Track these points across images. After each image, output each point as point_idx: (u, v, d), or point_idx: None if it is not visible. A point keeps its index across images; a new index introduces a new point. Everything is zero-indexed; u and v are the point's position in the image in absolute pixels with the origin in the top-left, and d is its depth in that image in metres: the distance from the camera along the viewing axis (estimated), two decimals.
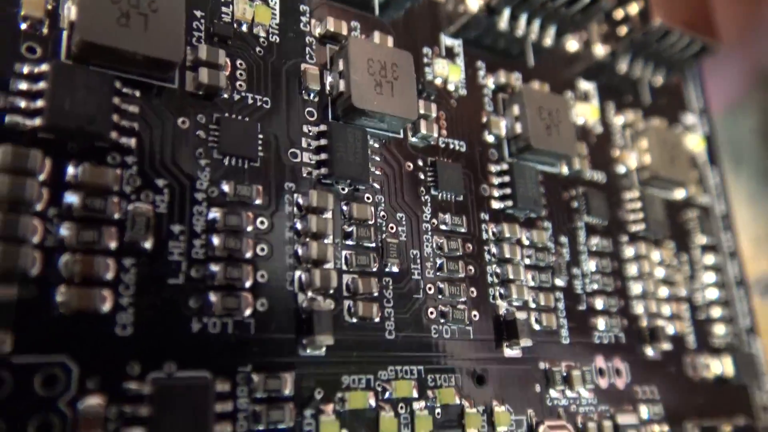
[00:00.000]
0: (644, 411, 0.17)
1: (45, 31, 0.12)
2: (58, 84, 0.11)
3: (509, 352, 0.15)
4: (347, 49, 0.15)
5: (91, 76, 0.12)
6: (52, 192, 0.11)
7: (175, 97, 0.13)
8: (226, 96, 0.13)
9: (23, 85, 0.11)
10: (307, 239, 0.13)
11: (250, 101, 0.14)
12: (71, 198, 0.11)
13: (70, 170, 0.11)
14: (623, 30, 0.20)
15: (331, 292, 0.13)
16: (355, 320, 0.13)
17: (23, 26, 0.12)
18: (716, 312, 0.20)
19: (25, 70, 0.11)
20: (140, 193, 0.12)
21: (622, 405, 0.17)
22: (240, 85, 0.14)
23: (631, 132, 0.20)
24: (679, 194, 0.21)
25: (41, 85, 0.11)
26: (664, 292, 0.19)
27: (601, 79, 0.20)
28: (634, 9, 0.19)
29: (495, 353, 0.15)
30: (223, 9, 0.14)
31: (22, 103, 0.11)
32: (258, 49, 0.14)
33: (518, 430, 0.15)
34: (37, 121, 0.11)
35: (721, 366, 0.19)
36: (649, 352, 0.18)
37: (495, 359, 0.15)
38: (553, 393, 0.16)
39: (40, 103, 0.11)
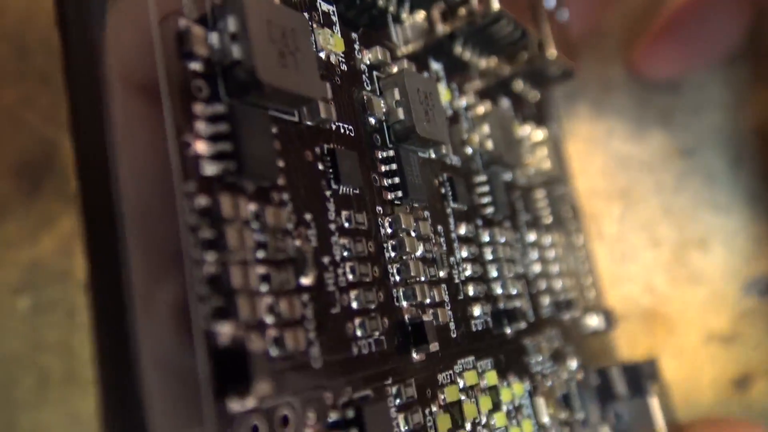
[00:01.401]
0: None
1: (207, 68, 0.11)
2: (243, 126, 0.11)
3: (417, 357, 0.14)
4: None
5: (263, 117, 0.11)
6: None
7: (300, 131, 0.12)
8: (330, 127, 0.13)
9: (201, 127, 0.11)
10: None
11: (342, 131, 0.14)
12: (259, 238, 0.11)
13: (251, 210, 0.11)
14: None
15: None
16: None
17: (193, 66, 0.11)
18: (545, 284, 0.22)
19: (199, 110, 0.11)
20: (298, 229, 0.12)
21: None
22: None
23: (473, 115, 0.20)
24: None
25: (220, 127, 0.11)
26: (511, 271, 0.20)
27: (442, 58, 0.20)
28: None
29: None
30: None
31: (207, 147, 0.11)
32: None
33: None
34: (229, 166, 0.11)
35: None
36: (508, 331, 0.19)
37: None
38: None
39: (223, 146, 0.11)
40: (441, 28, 0.20)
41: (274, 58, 0.11)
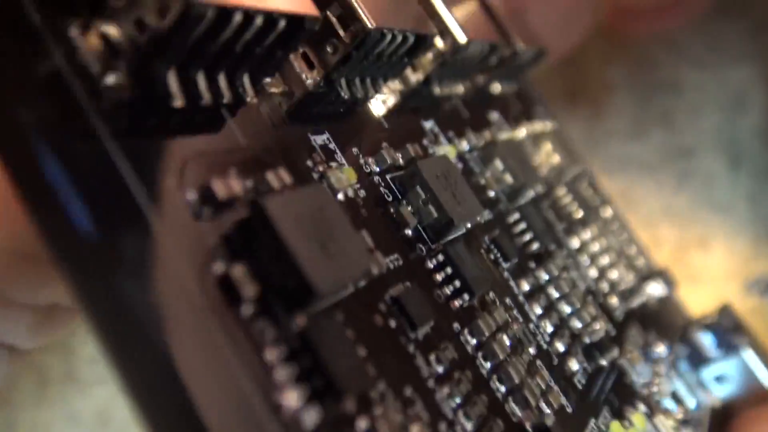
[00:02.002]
0: None
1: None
2: (323, 347, 0.10)
3: None
4: None
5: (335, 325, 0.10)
6: None
7: (359, 299, 0.12)
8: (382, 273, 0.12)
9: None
10: None
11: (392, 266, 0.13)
12: None
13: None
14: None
15: None
16: None
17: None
18: None
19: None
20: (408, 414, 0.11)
21: None
22: None
23: (480, 155, 0.19)
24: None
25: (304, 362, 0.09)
26: None
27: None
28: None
29: None
30: None
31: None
32: None
33: None
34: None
35: None
36: (604, 363, 0.18)
37: None
38: None
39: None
40: (414, 78, 0.18)
41: (319, 257, 0.10)
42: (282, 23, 0.11)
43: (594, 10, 0.24)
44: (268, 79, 0.13)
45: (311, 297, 0.10)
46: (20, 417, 0.26)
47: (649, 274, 0.24)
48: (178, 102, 0.10)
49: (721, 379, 0.22)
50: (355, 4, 0.14)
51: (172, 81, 0.10)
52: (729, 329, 0.22)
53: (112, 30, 0.09)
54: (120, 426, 0.26)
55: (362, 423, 0.10)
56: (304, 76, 0.14)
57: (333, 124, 0.14)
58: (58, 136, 0.09)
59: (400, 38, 0.15)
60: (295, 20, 0.11)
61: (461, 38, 0.18)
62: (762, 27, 0.31)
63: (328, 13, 0.14)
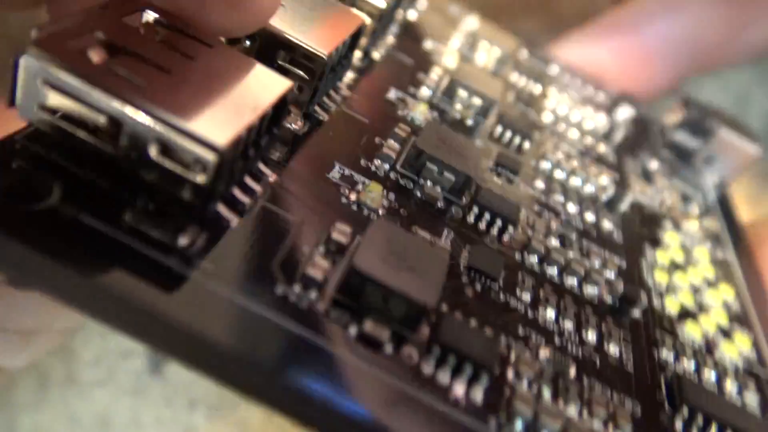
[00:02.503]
0: None
1: None
2: None
3: None
4: None
5: None
6: None
7: None
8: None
9: None
10: None
11: None
12: None
13: None
14: None
15: None
16: None
17: None
18: None
19: None
20: None
21: None
22: None
23: (443, 93, 0.20)
24: None
25: None
26: None
27: None
28: None
29: None
30: None
31: None
32: None
33: None
34: None
35: None
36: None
37: None
38: None
39: None
40: (355, 59, 0.20)
41: (412, 278, 0.12)
42: (270, 112, 0.12)
43: None
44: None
45: (425, 312, 0.12)
46: (21, 419, 0.27)
47: (614, 102, 0.27)
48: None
49: (710, 160, 0.25)
50: (301, 44, 0.15)
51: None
52: (698, 118, 0.25)
53: None
54: (120, 428, 0.27)
55: (509, 376, 0.12)
56: (290, 126, 0.15)
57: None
58: None
59: (347, 45, 0.16)
60: (280, 103, 0.13)
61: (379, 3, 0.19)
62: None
63: (280, 62, 0.15)
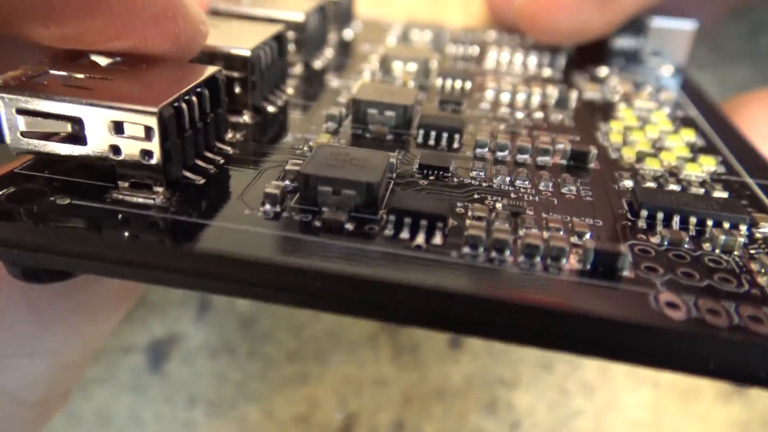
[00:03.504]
0: None
1: None
2: None
3: None
4: None
5: None
6: None
7: None
8: None
9: None
10: None
11: None
12: None
13: None
14: None
15: None
16: None
17: None
18: None
19: None
20: None
21: None
22: None
23: (381, 64, 0.23)
24: None
25: None
26: None
27: None
28: None
29: None
30: None
31: None
32: None
33: None
34: None
35: None
36: None
37: None
38: None
39: None
40: (298, 69, 0.22)
41: (354, 170, 0.14)
42: (206, 91, 0.15)
43: None
44: (229, 136, 0.17)
45: (374, 191, 0.13)
46: None
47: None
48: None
49: (657, 52, 0.26)
50: (219, 48, 0.17)
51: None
52: (631, 23, 0.27)
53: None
54: (120, 425, 0.28)
55: (466, 222, 0.13)
56: (241, 120, 0.18)
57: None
58: None
59: (274, 49, 0.19)
60: (210, 81, 0.15)
61: (301, 17, 0.22)
62: (761, 27, 0.32)
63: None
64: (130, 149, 0.13)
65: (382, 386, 0.28)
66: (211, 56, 0.18)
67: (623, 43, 0.27)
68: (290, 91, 0.20)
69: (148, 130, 0.13)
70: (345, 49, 0.26)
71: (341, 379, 0.28)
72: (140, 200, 0.13)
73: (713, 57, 0.33)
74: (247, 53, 0.17)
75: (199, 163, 0.15)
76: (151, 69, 0.15)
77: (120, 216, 0.13)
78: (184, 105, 0.14)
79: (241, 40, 0.18)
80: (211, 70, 0.15)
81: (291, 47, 0.22)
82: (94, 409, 0.28)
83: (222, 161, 0.15)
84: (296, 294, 0.12)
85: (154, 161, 0.13)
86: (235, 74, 0.18)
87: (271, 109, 0.19)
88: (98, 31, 0.13)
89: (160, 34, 0.15)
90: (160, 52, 0.15)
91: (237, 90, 0.18)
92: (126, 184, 0.14)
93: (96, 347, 0.19)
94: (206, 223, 0.13)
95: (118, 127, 0.13)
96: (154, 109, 0.13)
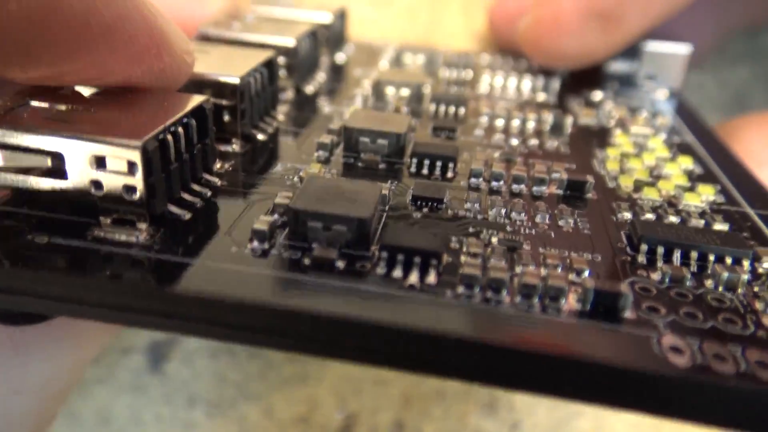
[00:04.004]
0: None
1: None
2: None
3: None
4: None
5: None
6: None
7: None
8: None
9: None
10: None
11: None
12: None
13: None
14: None
15: None
16: None
17: None
18: None
19: None
20: None
21: None
22: None
23: (373, 88, 0.22)
24: None
25: None
26: None
27: None
28: None
29: None
30: None
31: None
32: None
33: None
34: None
35: None
36: None
37: None
38: None
39: None
40: (290, 93, 0.22)
41: (345, 205, 0.13)
42: (192, 121, 0.15)
43: None
44: (217, 166, 0.16)
45: (366, 227, 0.13)
46: None
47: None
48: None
49: (651, 76, 0.26)
50: (207, 76, 0.17)
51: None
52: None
53: None
54: (120, 425, 0.27)
55: (461, 259, 0.13)
56: (230, 149, 0.17)
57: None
58: None
59: (264, 76, 0.19)
60: (198, 111, 0.15)
61: (291, 43, 0.22)
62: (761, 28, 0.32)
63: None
64: (113, 184, 0.13)
65: (382, 386, 0.27)
66: (200, 84, 0.17)
67: (617, 67, 0.27)
68: (281, 117, 0.20)
69: (131, 165, 0.12)
70: (337, 73, 0.26)
71: (341, 379, 0.28)
72: (123, 238, 0.13)
73: (713, 57, 0.33)
74: (237, 81, 0.17)
75: (186, 196, 0.14)
76: (136, 99, 0.14)
77: (101, 255, 0.12)
78: (169, 137, 0.14)
79: (230, 68, 0.18)
80: (198, 99, 0.15)
81: (282, 73, 0.22)
82: (94, 409, 0.27)
83: (209, 194, 0.15)
84: (283, 338, 0.11)
85: (137, 197, 0.13)
86: (224, 102, 0.17)
87: (261, 137, 0.18)
88: (79, 72, 0.13)
89: (144, 71, 0.14)
90: (145, 86, 0.15)
91: (226, 118, 0.17)
92: (108, 221, 0.13)
93: (81, 373, 0.19)
94: (191, 262, 0.12)
95: (99, 162, 0.13)
96: (138, 143, 0.12)
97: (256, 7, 0.26)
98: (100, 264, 0.12)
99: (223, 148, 0.17)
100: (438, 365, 0.11)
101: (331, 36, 0.27)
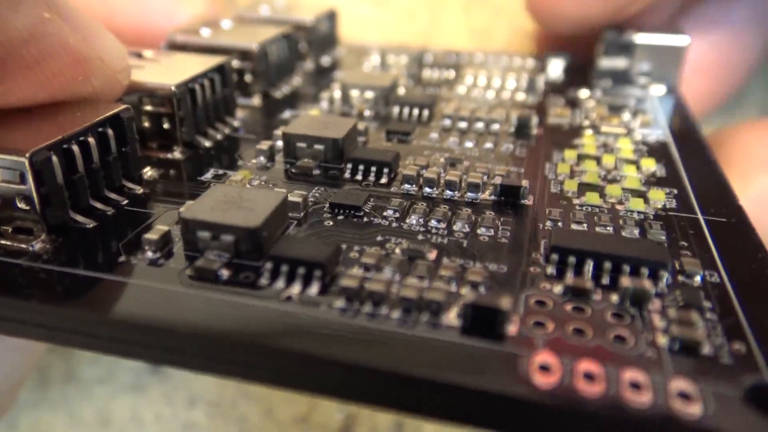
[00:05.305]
0: None
1: None
2: None
3: None
4: None
5: None
6: None
7: None
8: None
9: None
10: None
11: None
12: None
13: None
14: None
15: None
16: None
17: None
18: None
19: None
20: None
21: None
22: None
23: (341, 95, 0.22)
24: None
25: None
26: None
27: None
28: None
29: None
30: None
31: None
32: None
33: None
34: None
35: None
36: None
37: None
38: None
39: None
40: (256, 101, 0.22)
41: (237, 213, 0.13)
42: (109, 130, 0.15)
43: None
44: (149, 172, 0.17)
45: (255, 236, 0.13)
46: (21, 417, 0.27)
47: (543, 60, 0.27)
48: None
49: (645, 71, 0.25)
50: (144, 85, 0.17)
51: None
52: (615, 37, 0.25)
53: None
54: (120, 425, 0.27)
55: (352, 271, 0.13)
56: (170, 155, 0.18)
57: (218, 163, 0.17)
58: None
59: (213, 78, 0.19)
60: (115, 120, 0.15)
61: (253, 46, 0.22)
62: None
63: (145, 108, 0.18)
64: (8, 194, 0.13)
65: None
66: (138, 92, 0.17)
67: (610, 62, 0.25)
68: (236, 123, 0.20)
69: (22, 175, 0.13)
70: (319, 76, 0.25)
71: None
72: (21, 246, 0.13)
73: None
74: (172, 89, 0.17)
75: (97, 204, 0.14)
76: (54, 107, 0.14)
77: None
78: (75, 147, 0.14)
79: (172, 75, 0.18)
80: (116, 108, 0.15)
81: (248, 77, 0.22)
82: (95, 410, 0.28)
83: (125, 202, 0.15)
84: (150, 350, 0.11)
85: (30, 206, 0.13)
86: (162, 110, 0.17)
87: (206, 143, 0.18)
88: (4, 96, 0.13)
89: (73, 93, 0.14)
90: (76, 101, 0.15)
91: (166, 125, 0.18)
92: (8, 229, 0.13)
93: (25, 374, 0.19)
94: (77, 272, 0.12)
95: None
96: (23, 158, 0.13)
97: (242, 12, 0.26)
98: None
99: (163, 155, 0.18)
100: (301, 383, 0.11)
101: (315, 38, 0.26)
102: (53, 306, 0.12)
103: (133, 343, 0.11)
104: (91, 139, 0.14)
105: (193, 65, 0.19)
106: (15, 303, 0.12)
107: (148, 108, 0.17)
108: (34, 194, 0.13)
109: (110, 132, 0.15)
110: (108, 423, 0.28)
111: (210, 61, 0.19)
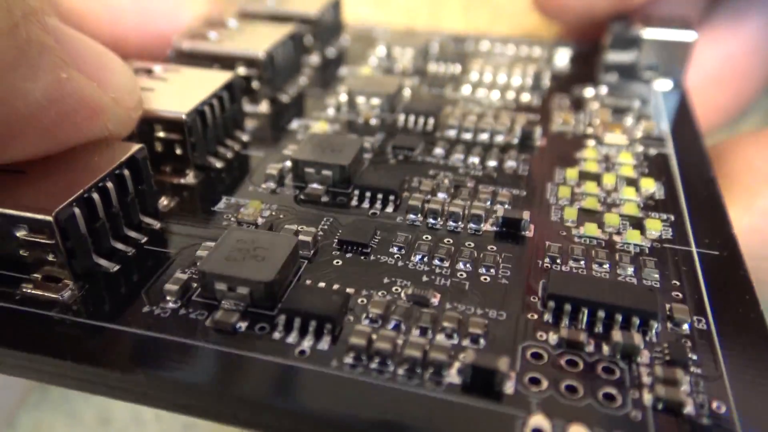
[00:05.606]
0: None
1: None
2: None
3: None
4: None
5: None
6: None
7: None
8: None
9: None
10: None
11: None
12: None
13: None
14: None
15: None
16: None
17: None
18: None
19: None
20: None
21: None
22: None
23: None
24: None
25: None
26: None
27: None
28: None
29: None
30: None
31: None
32: None
33: None
34: None
35: None
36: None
37: None
38: None
39: None
40: (263, 107, 0.22)
41: (252, 264, 0.14)
42: (125, 171, 0.15)
43: None
44: (164, 201, 0.17)
45: (270, 288, 0.13)
46: (22, 417, 0.28)
47: (551, 47, 0.27)
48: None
49: (653, 66, 0.25)
50: (156, 113, 0.18)
51: None
52: (622, 30, 0.25)
53: None
54: (120, 426, 0.28)
55: (361, 323, 0.13)
56: (183, 181, 0.18)
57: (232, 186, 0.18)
58: None
59: (224, 101, 0.19)
60: (131, 162, 0.15)
61: (260, 54, 0.22)
62: None
63: (157, 135, 0.18)
64: (35, 248, 0.14)
65: None
66: (149, 122, 0.18)
67: (616, 57, 0.25)
68: (245, 138, 0.20)
69: (48, 232, 0.13)
70: (324, 70, 0.26)
71: None
72: (50, 295, 0.14)
73: None
74: (182, 117, 0.18)
75: (118, 245, 0.15)
76: (67, 156, 0.15)
77: (25, 316, 0.13)
78: (95, 195, 0.14)
79: (181, 101, 0.18)
80: (131, 150, 0.16)
81: (255, 84, 0.22)
82: (94, 410, 0.29)
83: (144, 240, 0.16)
84: (182, 408, 0.12)
85: (58, 258, 0.14)
86: (174, 137, 0.18)
87: (218, 164, 0.19)
88: (21, 152, 0.14)
89: (88, 138, 0.15)
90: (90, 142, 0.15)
91: (178, 151, 0.18)
92: (39, 277, 0.14)
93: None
94: (102, 326, 0.13)
95: (20, 228, 0.14)
96: (49, 217, 0.13)
97: (245, 6, 0.26)
98: (24, 325, 0.13)
99: (176, 180, 0.18)
100: None
101: (320, 30, 0.26)
102: (87, 366, 0.12)
103: (156, 398, 0.13)
104: (109, 184, 0.15)
105: (202, 84, 0.19)
106: (50, 360, 0.13)
107: (161, 135, 0.18)
108: (61, 248, 0.14)
109: (126, 173, 0.15)
110: (108, 423, 0.29)
111: (219, 79, 0.19)
